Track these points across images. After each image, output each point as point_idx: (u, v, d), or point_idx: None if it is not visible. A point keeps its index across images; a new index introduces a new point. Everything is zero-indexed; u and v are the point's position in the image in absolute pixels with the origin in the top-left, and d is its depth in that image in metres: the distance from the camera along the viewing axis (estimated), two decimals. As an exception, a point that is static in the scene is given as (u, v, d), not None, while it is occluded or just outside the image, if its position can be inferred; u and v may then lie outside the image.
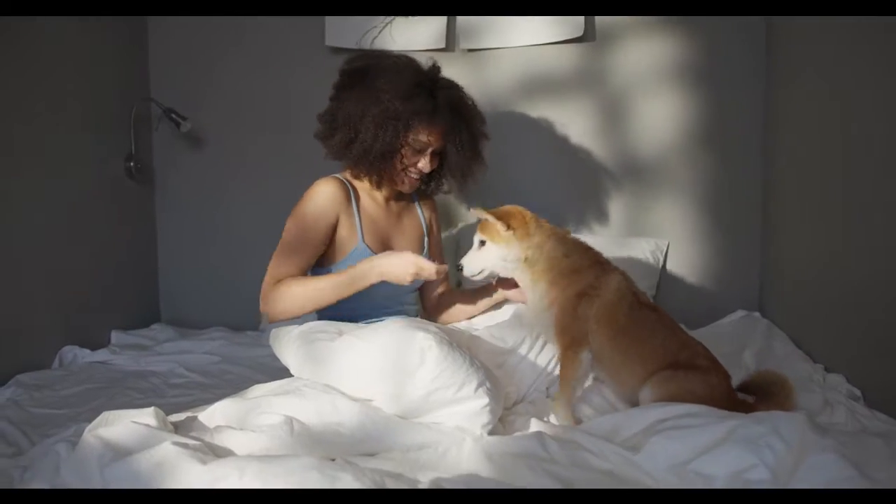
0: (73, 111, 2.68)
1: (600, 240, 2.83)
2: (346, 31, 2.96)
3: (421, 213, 2.25)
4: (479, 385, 1.60)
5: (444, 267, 1.87)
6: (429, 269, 1.82)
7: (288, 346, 1.86)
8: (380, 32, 2.94)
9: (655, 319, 1.82)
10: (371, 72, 2.03)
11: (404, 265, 1.83)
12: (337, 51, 2.99)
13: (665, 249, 2.89)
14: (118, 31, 2.98)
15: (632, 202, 2.93)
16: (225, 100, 3.15)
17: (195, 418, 1.60)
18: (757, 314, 2.77)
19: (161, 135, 3.17)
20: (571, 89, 2.92)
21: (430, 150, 2.05)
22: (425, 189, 2.23)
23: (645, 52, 2.86)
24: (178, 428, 1.53)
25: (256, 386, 1.76)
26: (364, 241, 2.03)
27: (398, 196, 2.20)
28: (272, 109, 3.13)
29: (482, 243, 1.88)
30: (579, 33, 2.83)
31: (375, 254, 2.00)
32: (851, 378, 1.95)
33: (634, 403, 1.74)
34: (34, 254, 2.47)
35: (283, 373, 1.93)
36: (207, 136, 3.17)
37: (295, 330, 1.90)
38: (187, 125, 3.00)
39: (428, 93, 2.02)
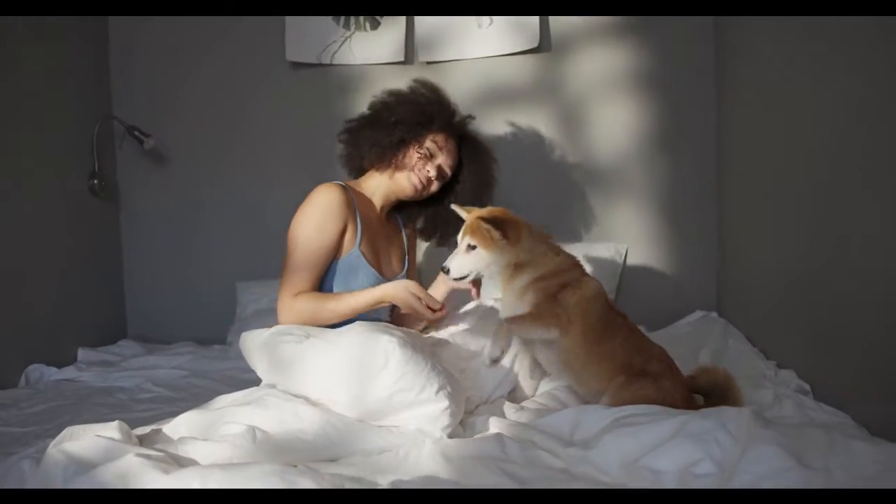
0: (34, 130, 2.69)
1: (561, 245, 2.89)
2: (306, 46, 3.01)
3: (404, 234, 2.34)
4: (440, 388, 1.64)
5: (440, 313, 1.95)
6: (424, 300, 1.91)
7: (256, 349, 1.89)
8: (340, 47, 2.98)
9: (621, 323, 1.87)
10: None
11: (405, 292, 1.92)
12: (298, 65, 3.03)
13: (624, 253, 2.96)
14: (80, 50, 3.00)
15: (591, 207, 3.00)
16: (188, 116, 3.18)
17: (160, 431, 1.62)
18: (714, 314, 2.84)
19: (125, 152, 3.19)
20: (529, 98, 2.99)
21: (438, 161, 2.18)
22: (422, 229, 2.38)
23: (599, 60, 2.94)
24: (143, 441, 1.54)
25: (221, 397, 1.78)
26: (360, 247, 2.08)
27: (388, 215, 2.28)
28: (235, 124, 3.15)
29: (471, 247, 1.84)
30: (535, 44, 2.90)
31: (368, 260, 2.09)
32: (801, 373, 2.01)
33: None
34: (-3, 273, 2.47)
35: (249, 384, 1.96)
36: (171, 153, 3.19)
37: (264, 334, 1.93)
38: (151, 142, 3.02)
39: (451, 114, 2.26)
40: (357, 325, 1.78)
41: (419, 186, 2.18)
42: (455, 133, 2.24)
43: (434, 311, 1.92)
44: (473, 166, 2.30)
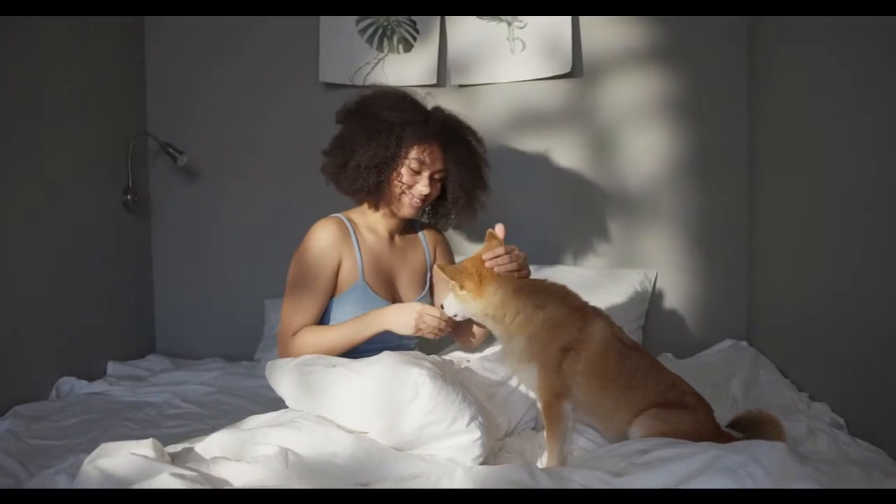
0: (71, 145, 2.73)
1: (590, 271, 2.89)
2: (339, 67, 3.03)
3: (425, 244, 2.28)
4: (472, 419, 1.63)
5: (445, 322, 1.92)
6: (429, 322, 1.89)
7: (283, 377, 1.88)
8: (373, 68, 3.01)
9: (645, 364, 1.80)
10: (366, 97, 2.14)
11: (405, 318, 1.91)
12: (331, 86, 3.06)
13: (653, 279, 2.94)
14: (117, 67, 3.05)
15: (621, 233, 2.99)
16: (221, 134, 3.21)
17: (192, 449, 1.63)
18: (744, 343, 2.81)
19: (158, 168, 3.23)
20: (561, 124, 2.99)
21: (427, 172, 2.07)
22: (430, 220, 2.29)
23: (631, 86, 2.94)
24: (174, 459, 1.56)
25: (252, 417, 1.79)
26: (364, 278, 2.07)
27: (403, 230, 2.24)
28: (267, 143, 3.18)
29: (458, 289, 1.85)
30: (567, 69, 2.91)
31: (375, 291, 2.07)
32: (835, 406, 1.98)
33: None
34: (30, 285, 2.50)
35: (277, 403, 1.96)
36: (204, 170, 3.22)
37: (292, 362, 1.93)
38: (184, 159, 3.06)
39: (419, 108, 2.12)
40: (386, 356, 1.77)
41: (418, 204, 2.10)
42: (431, 139, 2.07)
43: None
44: (458, 169, 2.14)
